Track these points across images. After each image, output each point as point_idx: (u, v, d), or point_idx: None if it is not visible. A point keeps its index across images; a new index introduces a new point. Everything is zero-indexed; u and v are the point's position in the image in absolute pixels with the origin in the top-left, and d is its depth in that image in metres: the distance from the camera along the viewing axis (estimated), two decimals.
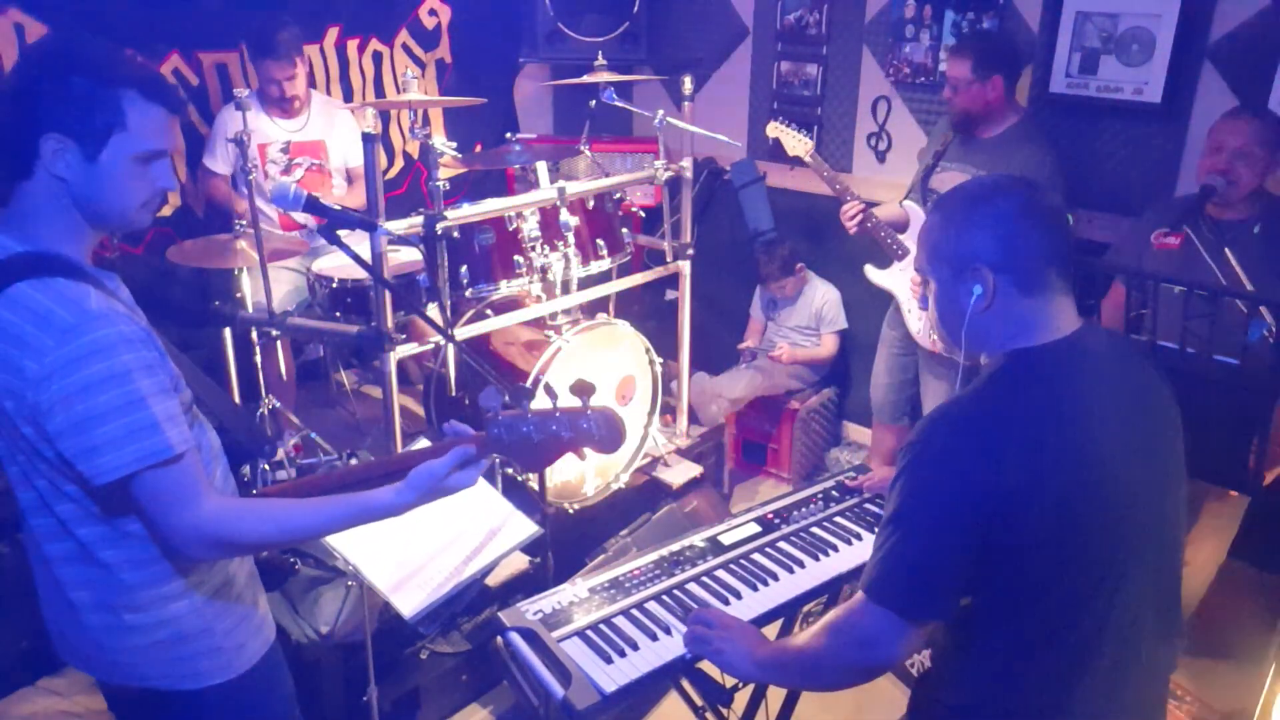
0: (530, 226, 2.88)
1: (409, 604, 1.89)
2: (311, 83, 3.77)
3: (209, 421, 1.59)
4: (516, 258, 2.87)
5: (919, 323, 3.30)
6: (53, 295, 1.31)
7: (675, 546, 1.98)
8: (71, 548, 1.46)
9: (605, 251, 3.08)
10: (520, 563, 2.86)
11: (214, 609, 1.55)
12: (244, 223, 3.06)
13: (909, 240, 3.27)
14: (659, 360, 3.26)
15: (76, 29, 1.42)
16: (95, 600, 1.49)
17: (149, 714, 1.61)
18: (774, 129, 3.44)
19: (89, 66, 1.34)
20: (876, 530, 1.61)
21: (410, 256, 3.16)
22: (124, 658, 1.54)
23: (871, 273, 3.42)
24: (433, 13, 4.38)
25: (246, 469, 1.66)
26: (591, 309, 3.27)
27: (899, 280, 3.33)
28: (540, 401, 1.50)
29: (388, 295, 2.64)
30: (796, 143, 3.40)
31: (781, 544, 2.00)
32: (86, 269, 1.39)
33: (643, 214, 4.21)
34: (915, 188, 3.33)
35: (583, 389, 1.47)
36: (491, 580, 2.81)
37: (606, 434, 1.46)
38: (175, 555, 1.45)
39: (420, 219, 2.69)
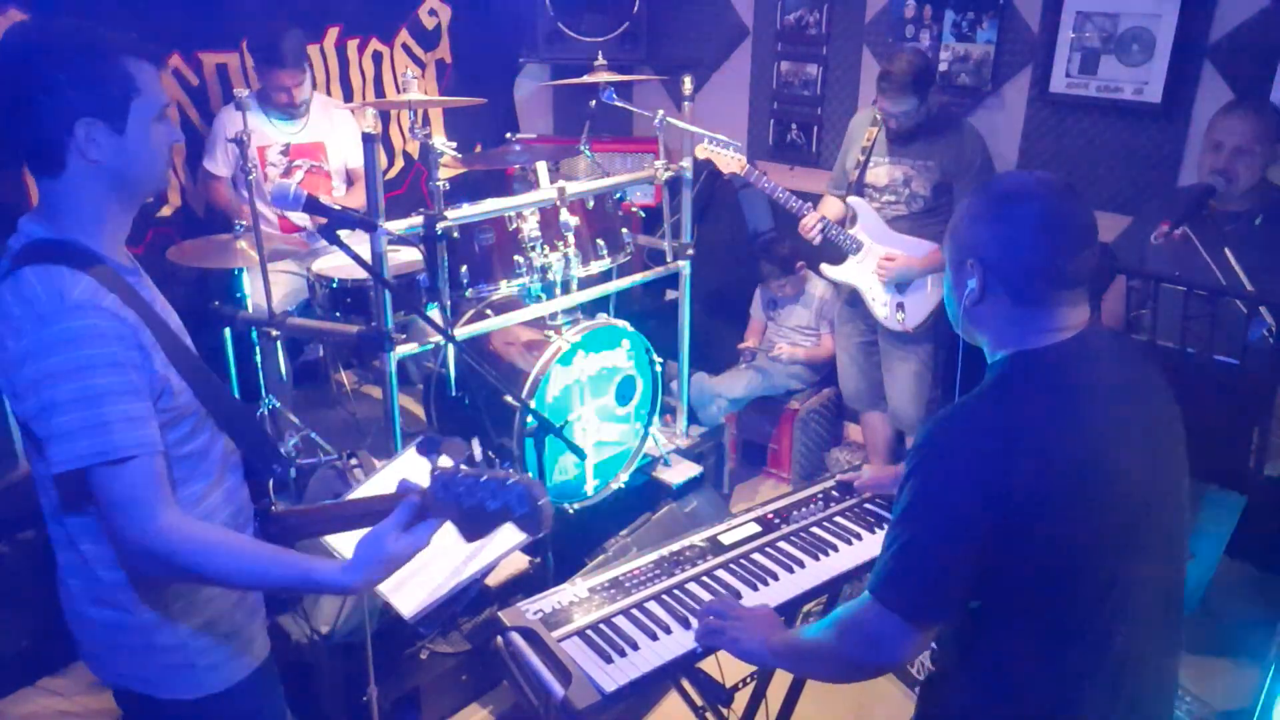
0: (530, 226, 2.88)
1: (409, 604, 1.88)
2: (312, 84, 3.78)
3: (226, 434, 1.57)
4: (516, 258, 2.87)
5: (885, 308, 3.41)
6: (44, 280, 1.32)
7: (675, 546, 1.98)
8: (62, 534, 1.47)
9: (605, 251, 3.08)
10: (520, 563, 2.86)
11: (188, 626, 1.53)
12: (244, 224, 3.06)
13: (860, 234, 3.39)
14: (659, 360, 3.26)
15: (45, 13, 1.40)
16: (81, 590, 1.50)
17: (132, 713, 1.62)
18: (702, 150, 3.39)
19: (92, 44, 1.36)
20: (885, 530, 1.60)
21: (410, 256, 3.15)
22: (104, 653, 1.55)
23: (829, 270, 3.53)
24: (433, 13, 4.38)
25: (270, 485, 1.63)
26: (591, 309, 3.27)
27: (857, 272, 3.44)
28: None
29: (388, 295, 2.64)
30: (730, 160, 3.38)
31: (781, 544, 2.00)
32: (104, 258, 1.39)
33: (643, 214, 4.20)
34: (850, 184, 3.43)
35: (429, 444, 1.39)
36: (491, 580, 2.81)
37: (529, 512, 1.34)
38: (124, 564, 1.43)
39: (420, 219, 2.68)
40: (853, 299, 3.54)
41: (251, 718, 1.69)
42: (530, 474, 1.40)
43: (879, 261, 3.34)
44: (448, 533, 1.65)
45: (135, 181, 1.42)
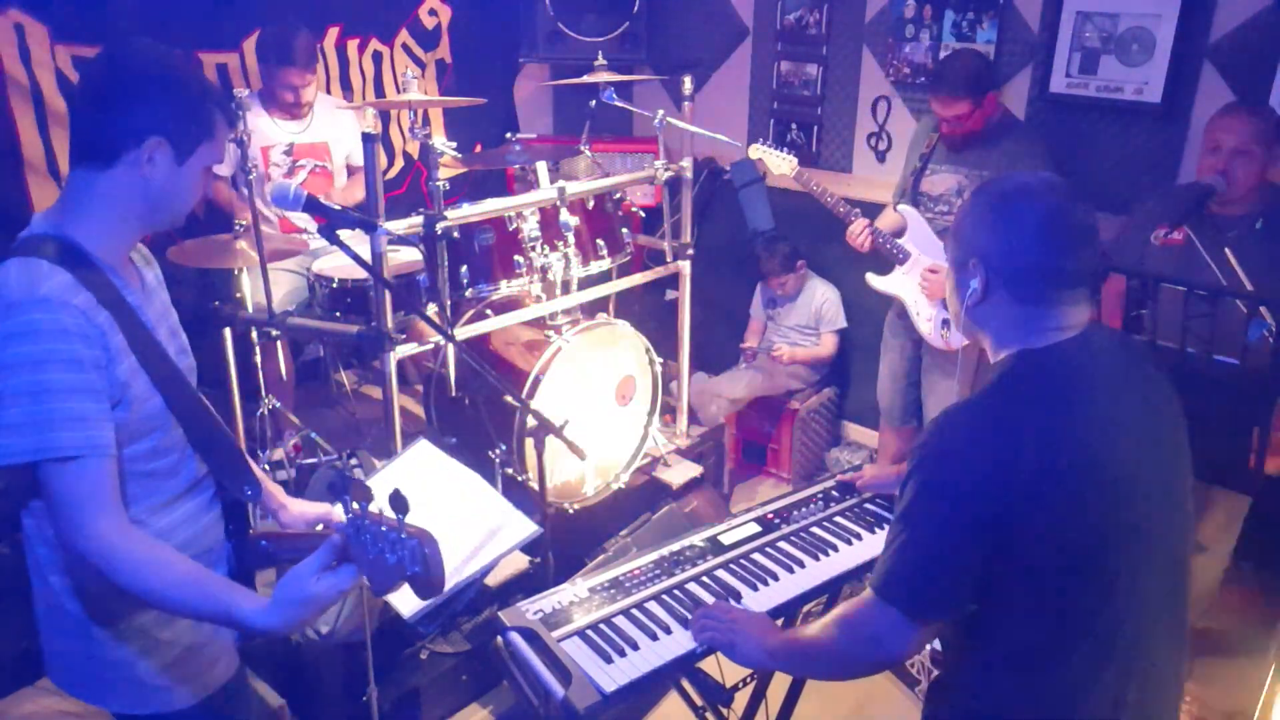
0: (530, 226, 2.88)
1: (409, 604, 1.89)
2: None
3: (197, 453, 1.55)
4: (516, 258, 2.87)
5: (929, 324, 3.29)
6: (19, 271, 1.33)
7: (675, 546, 1.98)
8: (30, 525, 1.48)
9: (605, 251, 3.08)
10: (520, 563, 2.86)
11: (138, 645, 1.51)
12: (244, 223, 3.06)
13: (908, 244, 3.29)
14: (659, 360, 3.26)
15: (158, 40, 1.47)
16: (38, 591, 1.52)
17: None
18: (756, 150, 3.39)
19: (199, 83, 1.47)
20: (887, 528, 1.60)
21: (410, 256, 3.16)
22: (68, 671, 1.56)
23: (874, 280, 3.42)
24: (433, 13, 4.38)
25: (250, 510, 1.63)
26: (591, 309, 3.27)
27: (903, 284, 3.33)
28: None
29: (388, 295, 2.64)
30: (781, 161, 3.36)
31: (781, 544, 2.00)
32: (93, 259, 1.39)
33: (643, 214, 4.21)
34: (906, 191, 3.35)
35: (399, 503, 1.24)
36: (491, 580, 2.81)
37: (419, 573, 1.23)
38: (68, 567, 1.44)
39: (420, 219, 2.68)
40: (902, 311, 3.42)
41: None
42: (425, 527, 1.27)
43: (922, 273, 3.24)
44: (445, 533, 1.64)
45: (164, 211, 1.48)
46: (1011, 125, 3.22)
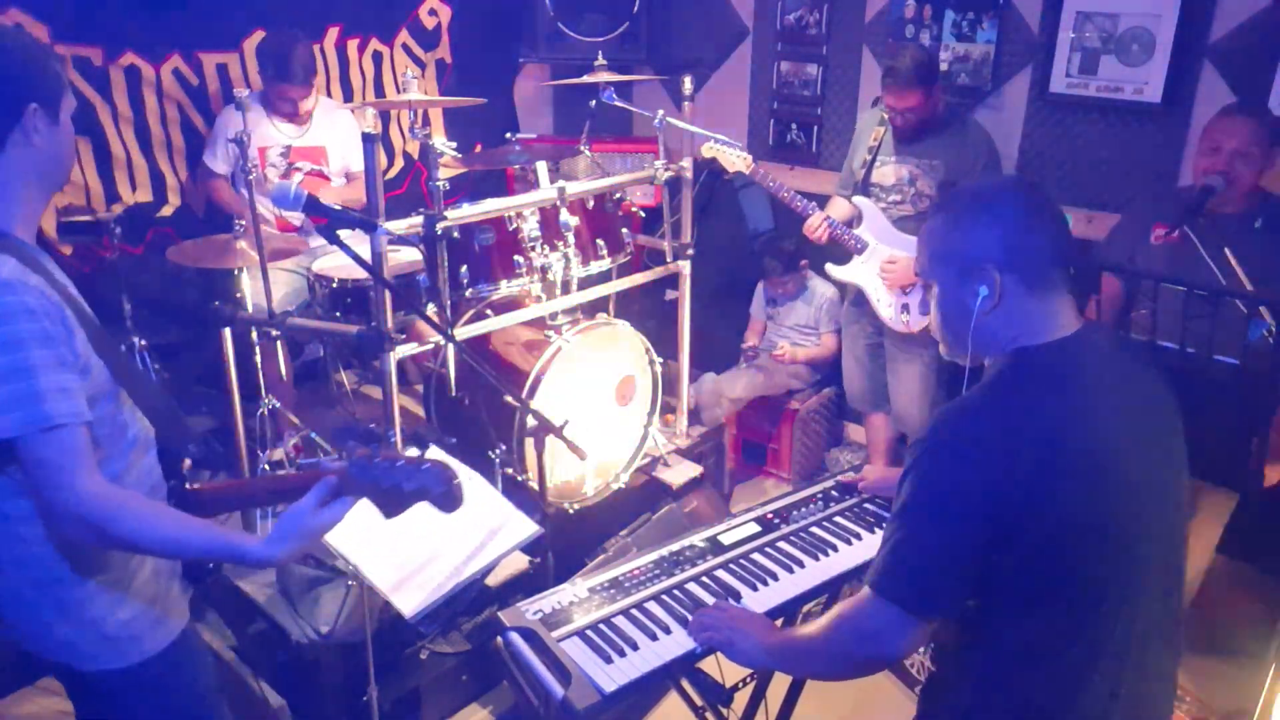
0: (530, 226, 2.88)
1: (409, 604, 1.89)
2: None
3: (140, 413, 1.62)
4: (516, 258, 2.87)
5: (889, 309, 3.39)
6: None
7: (675, 546, 1.98)
8: None
9: (605, 251, 3.08)
10: (520, 563, 2.86)
11: (107, 598, 1.56)
12: (244, 223, 3.06)
13: (865, 233, 3.38)
14: (659, 360, 3.27)
15: None
16: (10, 563, 1.53)
17: (66, 686, 1.69)
18: (709, 149, 3.42)
19: (35, 41, 1.49)
20: (884, 524, 1.62)
21: (410, 256, 3.15)
22: (28, 626, 1.58)
23: (833, 270, 3.52)
24: (433, 13, 4.38)
25: (188, 463, 1.66)
26: (591, 309, 3.27)
27: (861, 272, 3.43)
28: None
29: (388, 295, 2.64)
30: (735, 158, 3.38)
31: (781, 544, 2.00)
32: (20, 243, 1.44)
33: (643, 214, 4.20)
34: (856, 183, 3.43)
35: (418, 438, 1.52)
36: (491, 580, 2.81)
37: (443, 491, 1.45)
38: (54, 531, 1.48)
39: (420, 219, 2.68)
40: (859, 299, 3.52)
41: (177, 682, 1.71)
42: (444, 461, 1.50)
43: (882, 264, 3.33)
44: (446, 533, 1.65)
45: (57, 170, 1.53)
46: (956, 117, 3.32)
